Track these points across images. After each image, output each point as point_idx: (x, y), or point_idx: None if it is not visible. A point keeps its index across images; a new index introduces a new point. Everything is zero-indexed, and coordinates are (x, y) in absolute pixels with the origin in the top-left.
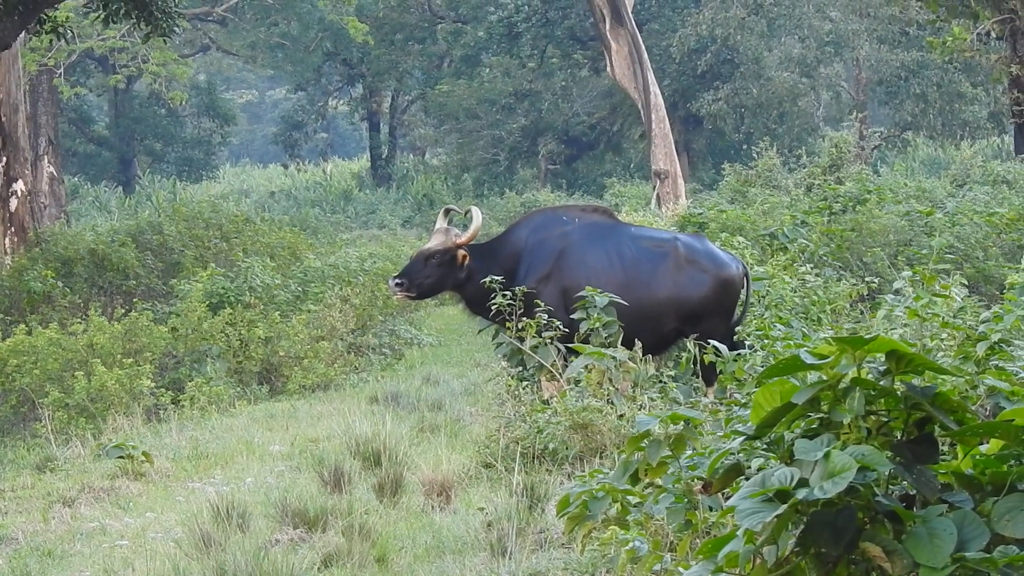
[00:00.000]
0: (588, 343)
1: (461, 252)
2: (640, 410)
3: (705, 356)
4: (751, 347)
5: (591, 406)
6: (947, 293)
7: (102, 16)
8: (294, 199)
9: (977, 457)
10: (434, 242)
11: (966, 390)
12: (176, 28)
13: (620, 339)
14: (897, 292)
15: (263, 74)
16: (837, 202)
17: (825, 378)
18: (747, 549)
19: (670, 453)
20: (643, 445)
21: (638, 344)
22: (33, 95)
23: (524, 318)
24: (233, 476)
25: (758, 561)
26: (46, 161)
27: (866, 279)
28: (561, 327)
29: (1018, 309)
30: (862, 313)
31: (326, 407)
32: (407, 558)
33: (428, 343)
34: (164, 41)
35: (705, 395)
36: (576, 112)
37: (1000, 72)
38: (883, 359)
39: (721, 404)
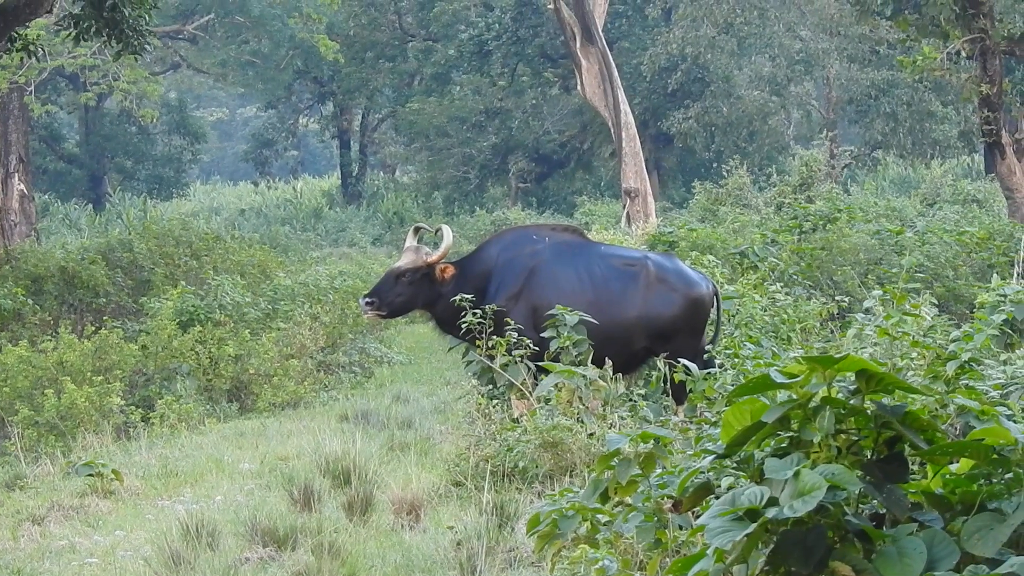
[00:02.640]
0: (558, 361)
1: (440, 266)
2: (610, 429)
3: (675, 375)
4: (721, 366)
5: (561, 424)
6: (917, 312)
7: (73, 34)
8: (264, 217)
9: (947, 476)
10: (404, 260)
11: (936, 409)
12: (147, 46)
13: (590, 358)
14: (867, 311)
15: (234, 92)
16: (807, 221)
17: (795, 397)
18: (717, 568)
19: (640, 472)
20: (613, 464)
21: (608, 363)
22: (3, 113)
23: (494, 336)
24: (203, 494)
25: None
26: (16, 179)
27: (836, 298)
28: (531, 345)
29: (988, 328)
30: (832, 332)
31: (296, 425)
32: None
33: (398, 361)
34: (135, 59)
35: (675, 414)
36: (546, 130)
37: (970, 91)
38: (853, 378)
39: (691, 423)
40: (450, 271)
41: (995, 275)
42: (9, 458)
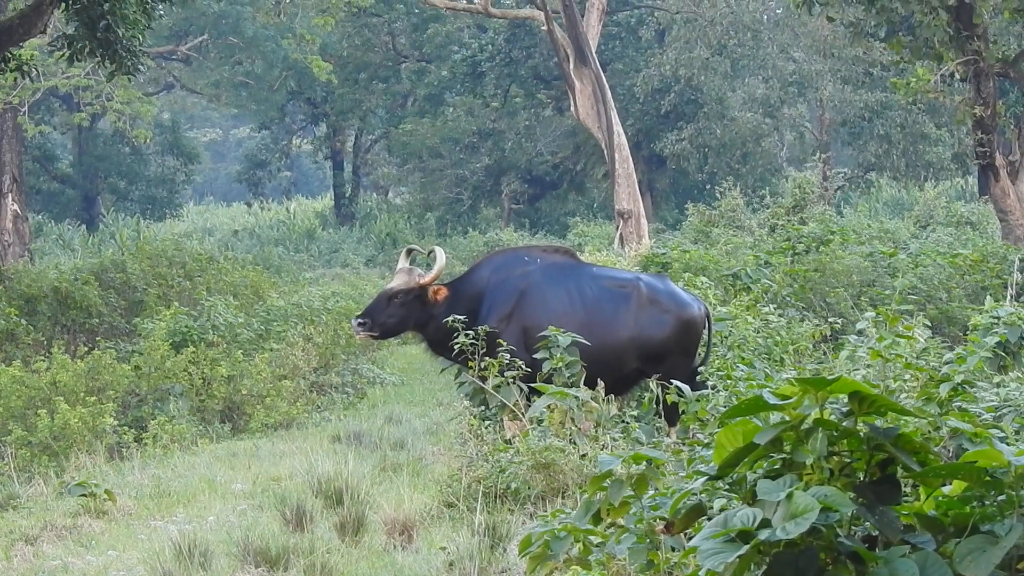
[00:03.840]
0: (550, 383)
1: (432, 288)
2: (602, 450)
3: (668, 396)
4: (714, 387)
5: (553, 446)
6: (910, 334)
7: (67, 54)
8: (257, 238)
9: (940, 498)
10: (397, 282)
11: (929, 431)
12: (140, 66)
13: (582, 379)
14: (860, 333)
15: (227, 112)
16: (800, 243)
17: (788, 419)
18: None
19: (632, 493)
20: (605, 485)
21: (600, 384)
22: None
23: (486, 358)
24: (195, 514)
25: None
26: (10, 199)
27: (829, 320)
28: (523, 367)
29: (981, 350)
30: (825, 354)
31: (288, 446)
32: None
33: (391, 382)
34: (128, 79)
35: (668, 435)
36: (539, 151)
37: (964, 113)
38: (846, 400)
39: (684, 444)
40: (443, 293)
41: (988, 297)
42: (2, 478)
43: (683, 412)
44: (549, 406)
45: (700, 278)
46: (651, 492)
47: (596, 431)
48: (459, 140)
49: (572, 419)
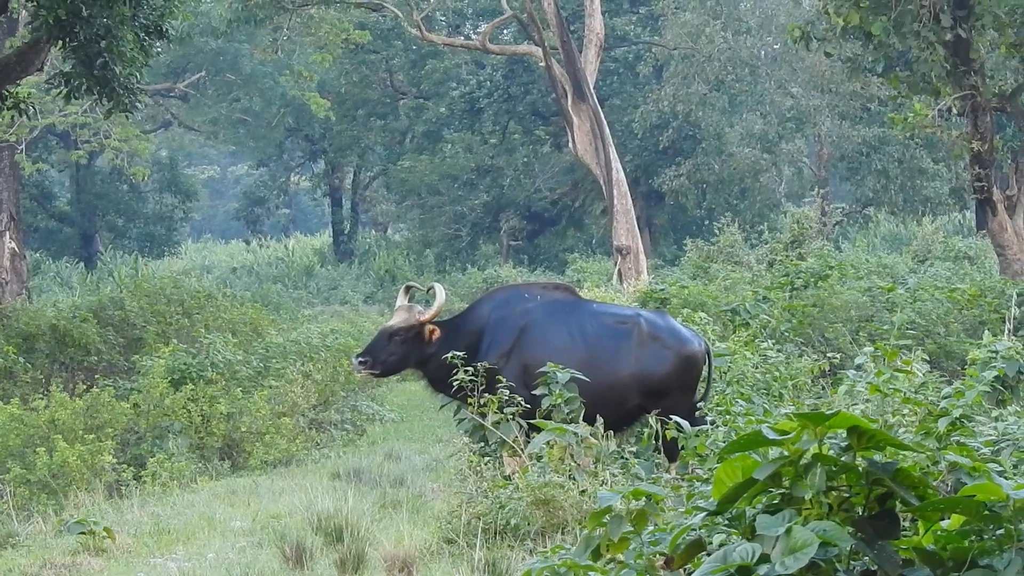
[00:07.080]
0: (550, 419)
1: (430, 327)
2: (602, 486)
3: (667, 432)
4: (713, 423)
5: (553, 482)
6: (908, 369)
7: (64, 92)
8: (256, 275)
9: (938, 533)
10: (397, 319)
11: (927, 466)
12: (138, 104)
13: (582, 415)
14: (859, 368)
15: (225, 150)
16: (799, 278)
17: (787, 454)
18: None
19: (632, 529)
20: (605, 521)
21: (600, 420)
22: None
23: (486, 394)
24: (195, 552)
25: None
26: (8, 237)
27: (828, 355)
28: (523, 403)
29: (979, 385)
30: (824, 389)
31: (288, 483)
32: None
33: (390, 419)
34: (126, 117)
35: (667, 471)
36: (538, 188)
37: (961, 148)
38: (844, 435)
39: (683, 480)
40: (436, 334)
41: (986, 332)
42: (1, 516)
43: (682, 448)
44: (548, 442)
45: (699, 314)
46: (651, 528)
47: (595, 467)
48: (457, 177)
49: (571, 455)
